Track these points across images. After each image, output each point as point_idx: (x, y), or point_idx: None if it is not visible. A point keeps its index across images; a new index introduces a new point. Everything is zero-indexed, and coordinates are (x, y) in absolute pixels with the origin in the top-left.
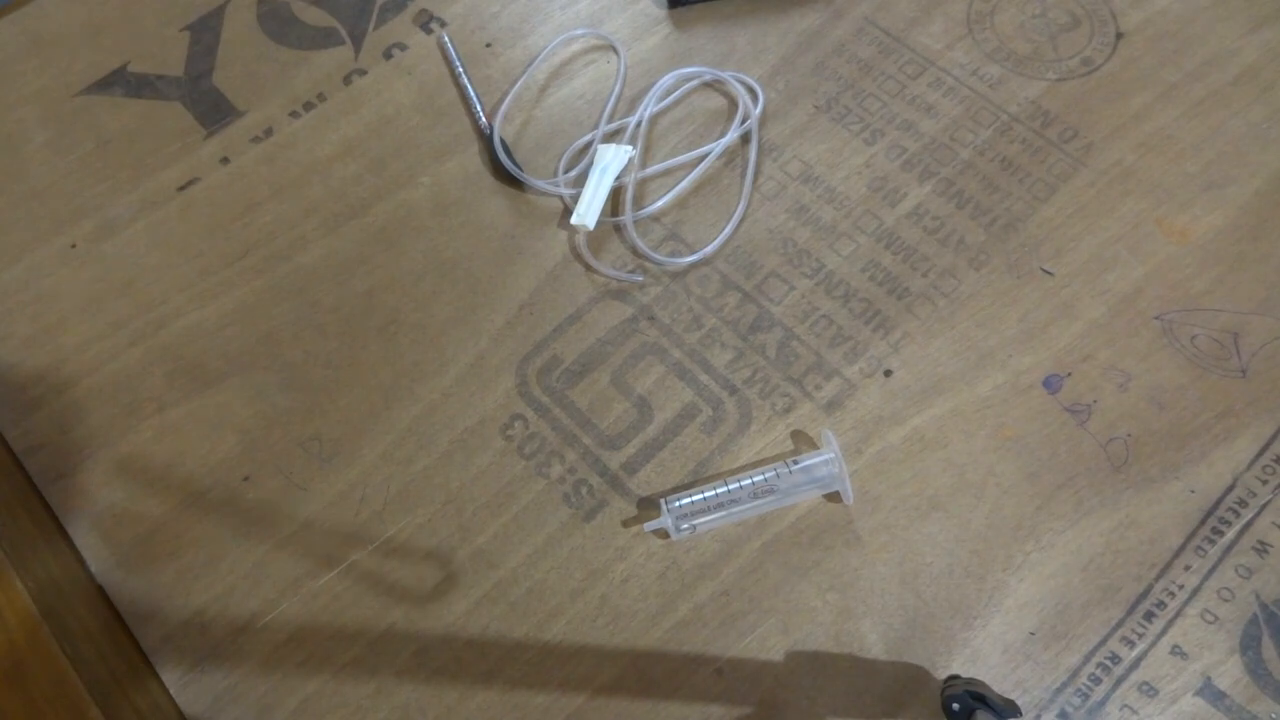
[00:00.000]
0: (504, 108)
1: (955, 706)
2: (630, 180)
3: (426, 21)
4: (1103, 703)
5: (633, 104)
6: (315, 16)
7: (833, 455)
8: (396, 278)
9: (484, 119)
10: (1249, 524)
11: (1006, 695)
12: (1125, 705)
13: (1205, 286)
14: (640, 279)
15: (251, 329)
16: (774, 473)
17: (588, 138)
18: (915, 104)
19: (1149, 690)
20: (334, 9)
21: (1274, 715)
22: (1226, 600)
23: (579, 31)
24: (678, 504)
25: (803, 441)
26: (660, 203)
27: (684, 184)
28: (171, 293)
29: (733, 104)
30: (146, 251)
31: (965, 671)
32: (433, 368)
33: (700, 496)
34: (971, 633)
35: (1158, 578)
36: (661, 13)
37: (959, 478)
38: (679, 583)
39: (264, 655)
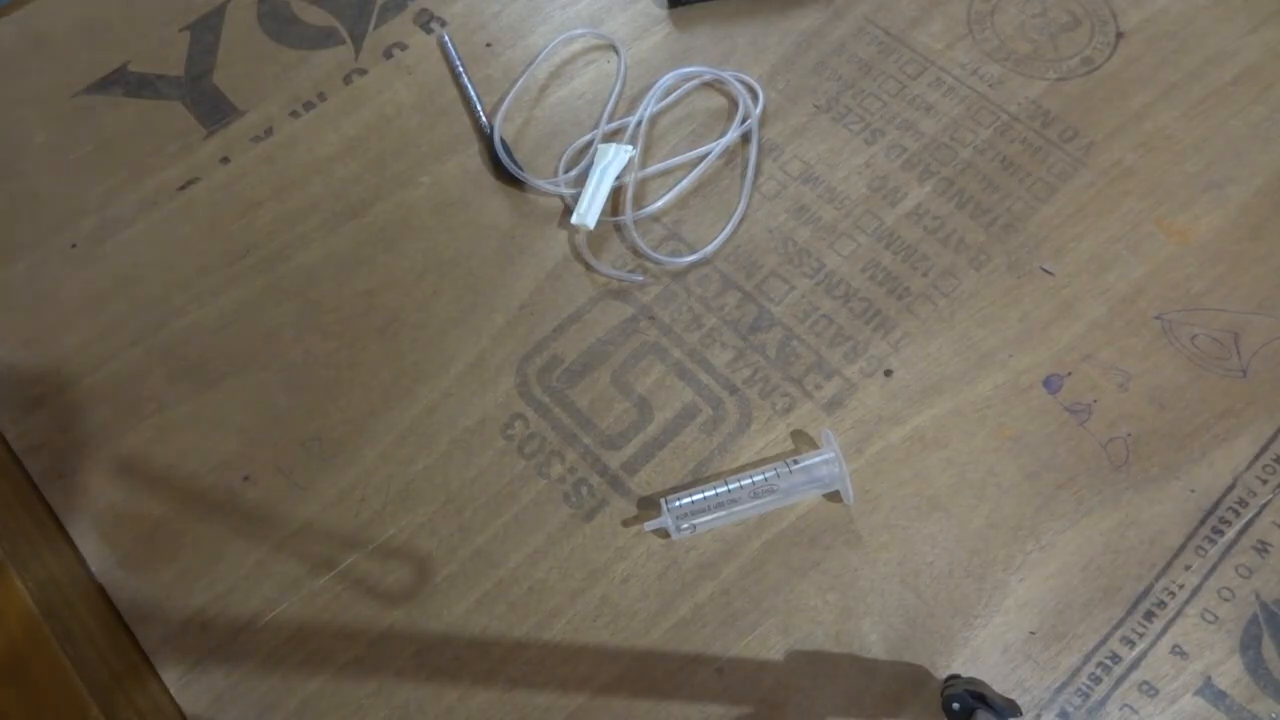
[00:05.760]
0: (504, 107)
1: (955, 706)
2: (630, 180)
3: (427, 21)
4: (1103, 702)
5: (633, 103)
6: (315, 16)
7: (833, 455)
8: (396, 278)
9: (484, 118)
10: (1249, 524)
11: (1007, 695)
12: (1125, 705)
13: (1205, 286)
14: (640, 279)
15: (251, 329)
16: (774, 472)
17: (588, 137)
18: (915, 104)
19: (1149, 690)
20: (334, 9)
21: (1274, 715)
22: (1227, 600)
23: (579, 31)
24: (678, 504)
25: (803, 441)
26: (660, 202)
27: (684, 184)
28: (171, 293)
29: (733, 103)
30: (146, 251)
31: (965, 671)
32: (433, 368)
33: (700, 496)
34: (972, 632)
35: (1158, 577)
36: (661, 12)
37: (959, 478)
38: (679, 582)
39: (264, 655)
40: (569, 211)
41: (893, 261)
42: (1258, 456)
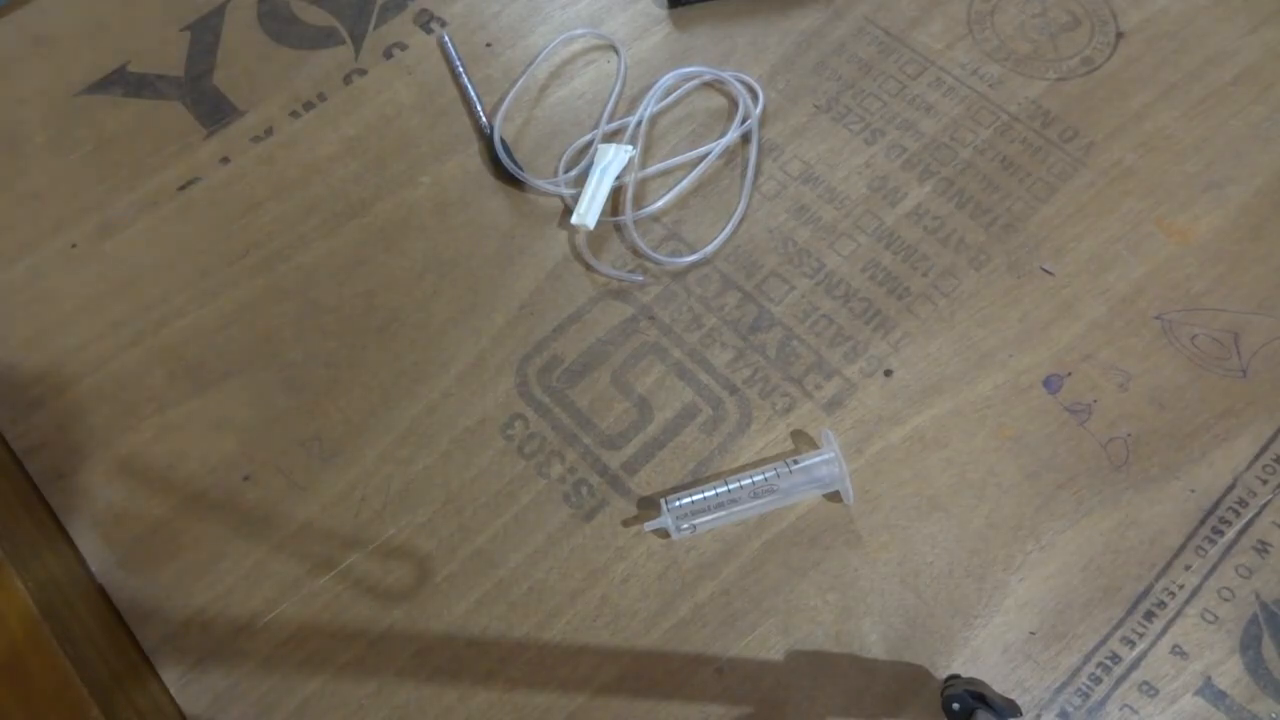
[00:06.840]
0: (504, 107)
1: (955, 706)
2: (630, 180)
3: (427, 21)
4: (1103, 702)
5: (633, 104)
6: (315, 16)
7: (833, 455)
8: (396, 278)
9: (484, 118)
10: (1249, 524)
11: (1007, 695)
12: (1125, 705)
13: (1205, 286)
14: (640, 279)
15: (251, 329)
16: (774, 472)
17: (588, 137)
18: (915, 104)
19: (1149, 690)
20: (334, 9)
21: (1274, 715)
22: (1227, 600)
23: (579, 31)
24: (678, 504)
25: (803, 441)
26: (660, 202)
27: (684, 184)
28: (171, 293)
29: (733, 104)
30: (146, 251)
31: (965, 671)
32: (433, 368)
33: (700, 496)
34: (971, 632)
35: (1158, 577)
36: (661, 12)
37: (959, 478)
38: (679, 582)
39: (264, 655)
40: (569, 211)
41: (893, 261)
42: (1258, 456)
